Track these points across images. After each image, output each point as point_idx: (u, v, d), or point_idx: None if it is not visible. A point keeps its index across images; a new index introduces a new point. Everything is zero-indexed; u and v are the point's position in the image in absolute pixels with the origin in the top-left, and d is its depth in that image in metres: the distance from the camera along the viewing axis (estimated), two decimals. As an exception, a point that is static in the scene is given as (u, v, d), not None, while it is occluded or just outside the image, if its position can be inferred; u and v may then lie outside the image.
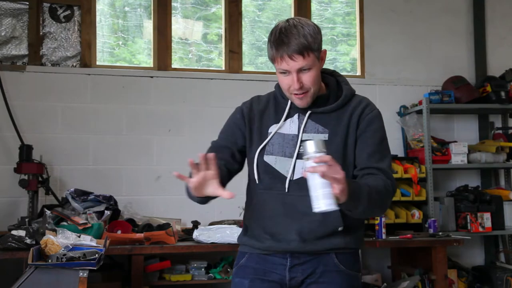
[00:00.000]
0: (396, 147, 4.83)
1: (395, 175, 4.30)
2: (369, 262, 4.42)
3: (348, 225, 1.89)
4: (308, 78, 1.86)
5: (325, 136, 1.90)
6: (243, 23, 4.71)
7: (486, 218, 4.47)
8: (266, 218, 1.94)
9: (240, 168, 2.04)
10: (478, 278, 4.61)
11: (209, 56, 4.71)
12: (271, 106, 2.02)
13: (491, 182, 5.01)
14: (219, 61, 4.70)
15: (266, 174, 1.93)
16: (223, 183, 1.80)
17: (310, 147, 1.60)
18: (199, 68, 4.67)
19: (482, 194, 4.60)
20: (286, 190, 1.89)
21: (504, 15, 5.25)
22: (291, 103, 1.97)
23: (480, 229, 4.45)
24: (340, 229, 1.88)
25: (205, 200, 1.84)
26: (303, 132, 1.92)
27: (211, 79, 4.53)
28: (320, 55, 1.89)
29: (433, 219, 4.16)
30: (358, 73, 4.96)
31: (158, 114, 4.43)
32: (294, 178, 1.90)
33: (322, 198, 1.57)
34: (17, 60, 4.28)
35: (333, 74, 2.05)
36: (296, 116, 1.96)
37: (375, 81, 4.91)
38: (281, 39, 1.83)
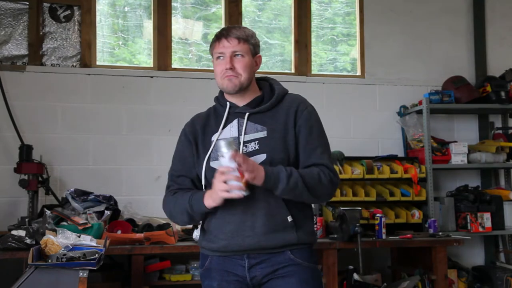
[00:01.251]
0: (396, 147, 4.84)
1: (395, 175, 4.36)
2: (369, 262, 4.41)
3: (296, 217, 2.01)
4: (240, 63, 2.06)
5: (264, 134, 2.04)
6: (243, 23, 4.71)
7: (486, 218, 4.47)
8: (218, 219, 2.03)
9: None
10: (478, 278, 4.61)
11: (209, 56, 4.69)
12: (212, 118, 2.17)
13: (491, 182, 5.01)
14: (219, 61, 4.69)
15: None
16: None
17: (222, 146, 1.85)
18: (199, 68, 4.67)
19: (482, 194, 4.60)
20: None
21: (504, 15, 5.25)
22: (229, 108, 2.11)
23: (480, 229, 4.45)
24: (289, 219, 1.99)
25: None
26: (244, 134, 2.04)
27: (211, 79, 4.50)
28: (255, 57, 2.12)
29: (433, 219, 4.16)
30: (358, 73, 4.96)
31: (158, 114, 4.43)
32: None
33: (236, 187, 1.88)
34: (17, 60, 4.28)
35: (265, 79, 2.23)
36: (235, 121, 2.09)
37: (375, 81, 4.91)
38: (223, 30, 2.11)
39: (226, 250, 2.02)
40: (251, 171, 1.86)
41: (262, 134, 2.04)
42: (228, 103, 2.12)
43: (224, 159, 1.86)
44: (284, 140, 2.03)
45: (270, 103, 2.10)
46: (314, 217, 3.35)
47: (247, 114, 2.08)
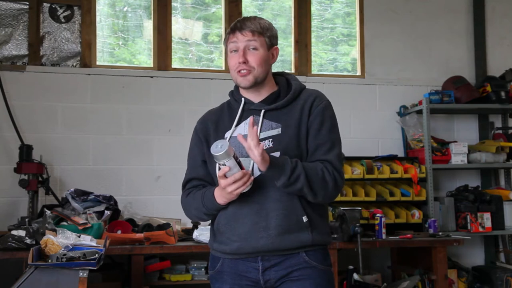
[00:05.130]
0: (396, 147, 4.84)
1: (395, 175, 4.35)
2: (369, 262, 4.41)
3: (311, 216, 1.95)
4: (253, 57, 1.98)
5: (278, 131, 1.98)
6: (243, 23, 4.70)
7: (486, 218, 4.47)
8: (231, 221, 1.97)
9: None
10: (478, 278, 4.61)
11: (209, 56, 4.71)
12: (225, 113, 2.10)
13: (491, 182, 5.01)
14: (219, 61, 4.70)
15: None
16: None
17: (222, 159, 1.78)
18: (199, 68, 4.67)
19: (482, 194, 4.60)
20: (247, 190, 1.91)
21: (504, 15, 5.26)
22: (244, 105, 2.05)
23: (480, 229, 4.45)
24: (304, 219, 1.93)
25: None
26: (260, 132, 1.99)
27: (211, 79, 4.53)
28: (271, 49, 2.04)
29: (433, 219, 4.16)
30: (358, 73, 4.96)
31: (158, 114, 4.43)
32: (254, 176, 1.93)
33: (243, 185, 1.84)
34: (17, 60, 4.28)
35: (282, 74, 2.16)
36: (250, 118, 1.98)
37: (375, 81, 4.91)
38: (237, 22, 2.02)
39: (239, 253, 1.96)
40: (260, 154, 1.80)
41: (277, 131, 1.98)
42: (243, 99, 2.05)
43: (227, 167, 1.79)
44: (297, 136, 1.97)
45: (286, 99, 2.02)
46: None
47: (262, 111, 2.01)
